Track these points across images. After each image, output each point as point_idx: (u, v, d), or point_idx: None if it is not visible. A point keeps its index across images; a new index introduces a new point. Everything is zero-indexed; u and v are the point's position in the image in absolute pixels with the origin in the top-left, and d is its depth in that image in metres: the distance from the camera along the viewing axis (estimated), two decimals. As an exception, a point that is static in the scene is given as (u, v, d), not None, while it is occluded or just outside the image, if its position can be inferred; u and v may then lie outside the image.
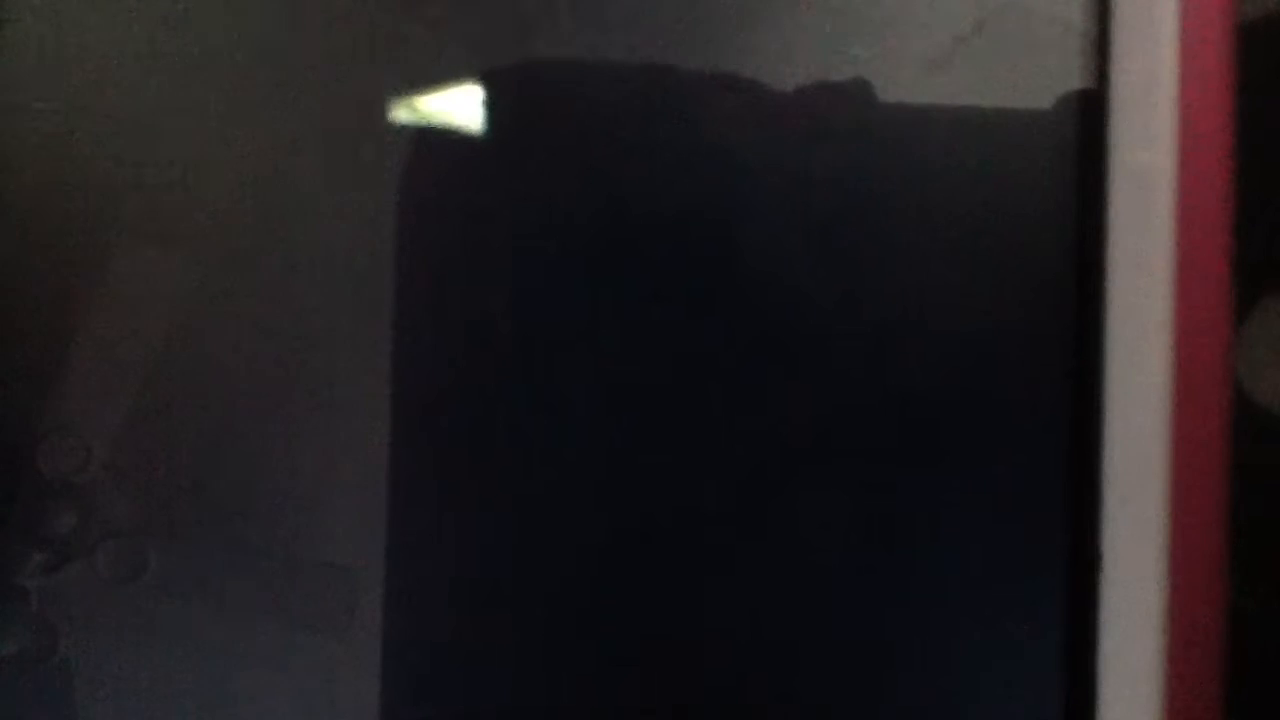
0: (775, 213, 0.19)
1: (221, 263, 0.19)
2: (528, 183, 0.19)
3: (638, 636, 0.19)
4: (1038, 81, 0.19)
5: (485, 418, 0.19)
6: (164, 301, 0.19)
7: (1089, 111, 0.19)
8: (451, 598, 0.19)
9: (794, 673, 0.19)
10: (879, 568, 0.19)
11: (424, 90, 0.20)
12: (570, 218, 0.19)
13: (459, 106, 0.19)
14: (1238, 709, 0.18)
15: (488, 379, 0.19)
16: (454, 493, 0.19)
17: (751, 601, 0.19)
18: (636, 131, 0.19)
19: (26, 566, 0.19)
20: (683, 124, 0.19)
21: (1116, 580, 0.18)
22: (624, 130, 0.19)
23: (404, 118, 0.20)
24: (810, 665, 0.19)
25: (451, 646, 0.19)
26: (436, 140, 0.19)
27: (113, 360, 0.19)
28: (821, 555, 0.19)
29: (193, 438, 0.19)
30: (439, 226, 0.19)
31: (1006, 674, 0.19)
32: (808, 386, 0.19)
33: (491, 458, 0.19)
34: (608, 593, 0.19)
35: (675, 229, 0.19)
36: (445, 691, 0.19)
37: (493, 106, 0.20)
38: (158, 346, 0.19)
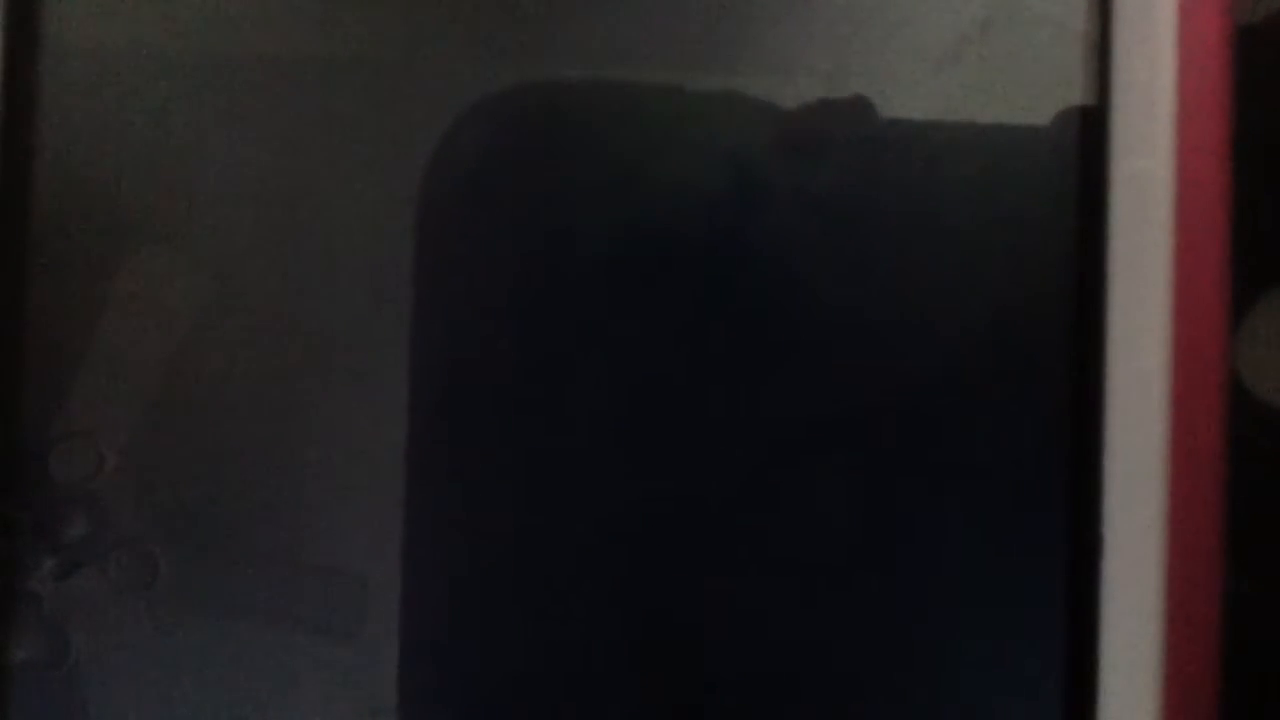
0: (776, 216, 0.19)
1: (235, 270, 0.20)
2: (533, 194, 0.20)
3: (645, 641, 0.19)
4: (1038, 86, 0.19)
5: (496, 425, 0.19)
6: (177, 308, 0.20)
7: (1089, 115, 0.19)
8: (462, 604, 0.19)
9: (795, 661, 0.19)
10: (880, 554, 0.19)
11: (434, 101, 0.20)
12: (576, 226, 0.19)
13: (463, 119, 0.20)
14: (1235, 691, 0.18)
15: (498, 386, 0.19)
16: (464, 499, 0.19)
17: (753, 595, 0.19)
18: (635, 131, 0.20)
19: (38, 572, 0.19)
20: (681, 124, 0.19)
21: (1117, 565, 0.18)
22: (623, 128, 0.20)
23: (413, 129, 0.20)
24: (811, 650, 0.19)
25: (461, 652, 0.19)
26: (442, 152, 0.19)
27: (126, 367, 0.19)
28: (823, 544, 0.19)
29: (205, 445, 0.19)
30: (448, 236, 0.20)
31: (1008, 657, 0.19)
32: (813, 384, 0.19)
33: (502, 464, 0.19)
34: (617, 599, 0.19)
35: (676, 233, 0.19)
36: (455, 697, 0.19)
37: (494, 120, 0.20)
38: (171, 354, 0.19)
